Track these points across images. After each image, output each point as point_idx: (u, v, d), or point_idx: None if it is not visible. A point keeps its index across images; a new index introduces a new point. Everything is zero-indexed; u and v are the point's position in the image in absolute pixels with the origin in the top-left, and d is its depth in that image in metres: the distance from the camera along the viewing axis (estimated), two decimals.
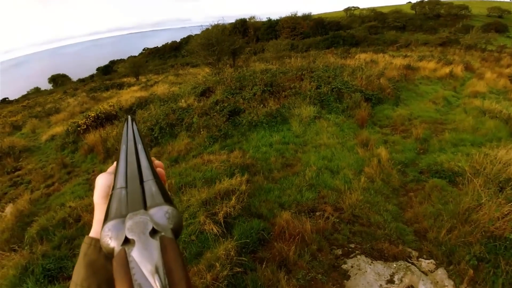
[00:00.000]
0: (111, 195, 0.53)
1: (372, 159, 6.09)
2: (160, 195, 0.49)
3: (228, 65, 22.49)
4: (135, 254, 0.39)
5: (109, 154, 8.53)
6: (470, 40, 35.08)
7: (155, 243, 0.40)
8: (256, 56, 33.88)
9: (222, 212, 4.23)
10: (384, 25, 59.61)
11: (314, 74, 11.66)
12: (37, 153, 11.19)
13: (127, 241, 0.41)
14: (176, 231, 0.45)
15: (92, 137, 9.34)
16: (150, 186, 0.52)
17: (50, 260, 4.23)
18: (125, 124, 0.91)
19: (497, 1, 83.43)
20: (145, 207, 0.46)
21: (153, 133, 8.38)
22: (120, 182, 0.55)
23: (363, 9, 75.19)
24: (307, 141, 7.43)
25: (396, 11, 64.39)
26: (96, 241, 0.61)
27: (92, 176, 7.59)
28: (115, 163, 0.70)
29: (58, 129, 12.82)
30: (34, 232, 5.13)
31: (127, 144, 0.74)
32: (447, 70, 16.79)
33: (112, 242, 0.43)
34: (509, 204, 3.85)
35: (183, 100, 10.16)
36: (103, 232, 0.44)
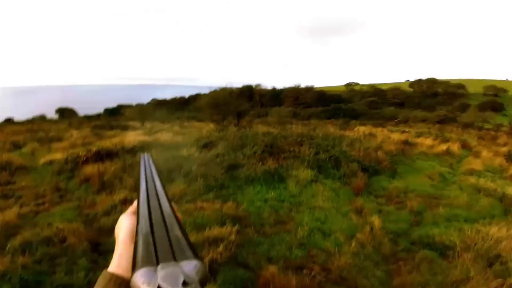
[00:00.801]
0: (136, 240, 0.56)
1: (365, 226, 6.16)
2: (188, 248, 0.51)
3: (232, 124, 23.10)
4: None
5: (104, 187, 8.47)
6: (467, 118, 36.12)
7: None
8: (259, 119, 34.77)
9: (208, 257, 4.20)
10: (383, 101, 61.81)
11: (313, 141, 11.96)
12: (33, 173, 11.08)
13: None
14: (203, 283, 0.47)
15: (90, 169, 9.33)
16: (177, 236, 0.54)
17: (29, 272, 4.19)
18: (142, 161, 1.00)
19: (493, 80, 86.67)
20: (175, 258, 0.49)
21: None
22: (146, 227, 0.58)
23: (363, 85, 78.43)
24: (302, 202, 7.47)
25: (395, 88, 66.91)
26: (117, 278, 0.62)
27: (84, 204, 7.51)
28: (134, 203, 0.75)
29: (58, 156, 12.76)
30: (17, 243, 5.03)
31: (146, 184, 0.79)
32: (444, 147, 17.17)
33: None
34: (497, 280, 3.86)
35: (185, 150, 10.35)
36: (135, 277, 0.46)
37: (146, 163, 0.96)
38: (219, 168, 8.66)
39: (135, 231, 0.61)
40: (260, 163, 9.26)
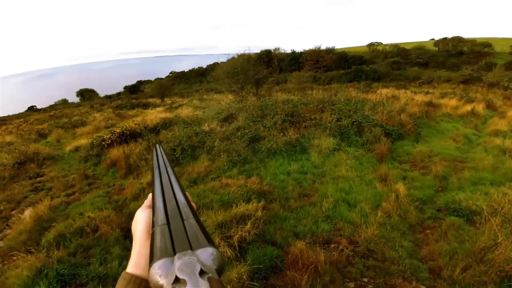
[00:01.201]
0: (153, 232, 0.56)
1: (390, 194, 6.07)
2: (203, 235, 0.52)
3: (251, 93, 22.84)
4: None
5: (131, 170, 8.74)
6: (493, 78, 34.65)
7: (205, 284, 0.43)
8: (278, 86, 34.27)
9: (237, 236, 4.30)
10: (406, 61, 59.54)
11: (335, 107, 11.82)
12: (60, 162, 11.50)
13: (177, 280, 0.44)
14: (220, 271, 0.48)
15: (115, 152, 9.60)
16: (192, 225, 0.55)
17: (65, 266, 4.33)
18: (155, 152, 1.00)
19: None
20: (191, 247, 0.49)
21: (175, 153, 8.58)
22: (161, 218, 0.58)
23: (386, 44, 75.30)
24: (326, 173, 7.48)
25: (419, 48, 64.28)
26: (136, 278, 0.62)
27: (112, 190, 7.79)
28: (149, 195, 0.75)
29: (83, 141, 13.17)
30: (51, 237, 5.26)
31: (160, 176, 0.79)
32: (468, 108, 16.69)
33: (162, 280, 0.45)
34: None
35: (206, 124, 10.43)
36: (153, 269, 0.46)
37: (159, 154, 0.97)
38: (240, 142, 8.72)
39: (151, 225, 0.62)
40: (281, 134, 9.26)
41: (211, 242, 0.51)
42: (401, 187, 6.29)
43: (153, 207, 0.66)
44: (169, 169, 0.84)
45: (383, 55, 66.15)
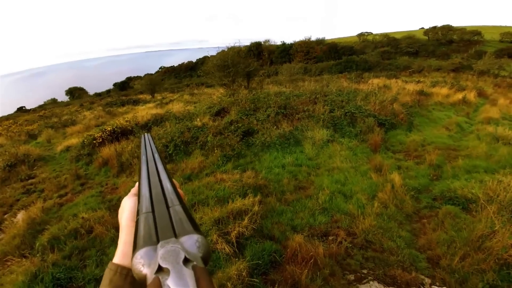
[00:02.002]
0: (137, 220, 0.54)
1: (386, 184, 6.08)
2: (188, 222, 0.49)
3: (243, 86, 22.71)
4: (171, 283, 0.40)
5: (123, 168, 8.63)
6: (483, 66, 34.89)
7: (189, 273, 0.41)
8: (270, 79, 34.14)
9: (234, 232, 4.25)
10: (397, 50, 59.77)
11: (327, 98, 11.77)
12: (52, 162, 11.34)
13: (160, 269, 0.42)
14: (205, 259, 0.45)
15: (107, 151, 9.48)
16: (177, 212, 0.52)
17: (60, 269, 4.26)
18: (142, 140, 0.98)
19: (510, 26, 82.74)
20: (175, 234, 0.47)
21: (168, 150, 8.49)
22: (146, 206, 0.56)
23: (376, 34, 75.42)
24: (320, 164, 7.46)
25: (409, 37, 64.50)
26: (122, 268, 0.59)
27: (105, 189, 7.68)
28: (136, 184, 0.73)
29: (74, 141, 13.00)
30: (45, 240, 5.18)
31: (147, 163, 0.77)
32: (460, 96, 16.79)
33: (145, 269, 0.43)
34: None
35: (198, 119, 10.31)
36: (135, 259, 0.44)
37: (147, 142, 0.95)
38: (234, 136, 8.65)
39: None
40: (275, 127, 9.20)
41: (197, 229, 0.48)
42: (396, 177, 6.29)
43: (138, 194, 0.63)
44: (156, 155, 0.82)
45: (373, 45, 66.42)
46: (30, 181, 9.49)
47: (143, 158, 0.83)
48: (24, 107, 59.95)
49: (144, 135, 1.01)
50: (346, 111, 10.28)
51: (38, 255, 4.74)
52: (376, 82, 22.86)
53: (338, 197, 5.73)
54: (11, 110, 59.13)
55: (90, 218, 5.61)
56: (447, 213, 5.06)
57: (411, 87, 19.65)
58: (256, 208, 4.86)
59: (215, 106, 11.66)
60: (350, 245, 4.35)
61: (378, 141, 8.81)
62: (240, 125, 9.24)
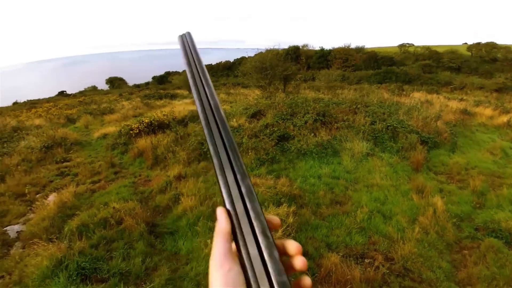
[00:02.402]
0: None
1: (427, 208, 5.74)
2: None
3: (279, 90, 22.55)
4: None
5: (158, 161, 8.61)
6: None
7: None
8: (306, 84, 33.80)
9: None
10: (438, 64, 57.40)
11: (369, 109, 11.34)
12: (88, 148, 11.53)
13: None
14: None
15: (143, 142, 9.50)
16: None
17: (86, 259, 4.20)
18: (181, 43, 0.79)
19: None
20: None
21: (203, 147, 8.41)
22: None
23: (418, 46, 72.96)
24: (359, 179, 7.12)
25: (452, 52, 61.79)
26: None
27: (138, 181, 7.67)
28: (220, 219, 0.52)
29: (111, 129, 13.18)
30: (74, 226, 5.15)
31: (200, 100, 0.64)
32: (504, 118, 15.65)
33: None
34: None
35: (234, 120, 10.18)
36: None
37: (187, 47, 0.77)
38: (269, 140, 8.43)
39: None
40: (312, 134, 8.90)
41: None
42: (438, 201, 5.94)
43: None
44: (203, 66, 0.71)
45: (414, 57, 64.07)
46: (65, 164, 9.64)
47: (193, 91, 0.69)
48: (65, 91, 61.91)
49: (183, 36, 0.79)
50: (388, 124, 9.82)
51: (65, 241, 4.68)
52: (417, 96, 22.09)
53: (377, 217, 5.40)
54: (53, 93, 61.32)
55: (121, 208, 5.54)
56: (490, 246, 4.72)
57: (454, 104, 18.77)
58: (290, 219, 4.63)
59: (251, 108, 11.48)
60: (388, 271, 4.05)
61: (421, 160, 8.35)
62: (275, 129, 9.00)
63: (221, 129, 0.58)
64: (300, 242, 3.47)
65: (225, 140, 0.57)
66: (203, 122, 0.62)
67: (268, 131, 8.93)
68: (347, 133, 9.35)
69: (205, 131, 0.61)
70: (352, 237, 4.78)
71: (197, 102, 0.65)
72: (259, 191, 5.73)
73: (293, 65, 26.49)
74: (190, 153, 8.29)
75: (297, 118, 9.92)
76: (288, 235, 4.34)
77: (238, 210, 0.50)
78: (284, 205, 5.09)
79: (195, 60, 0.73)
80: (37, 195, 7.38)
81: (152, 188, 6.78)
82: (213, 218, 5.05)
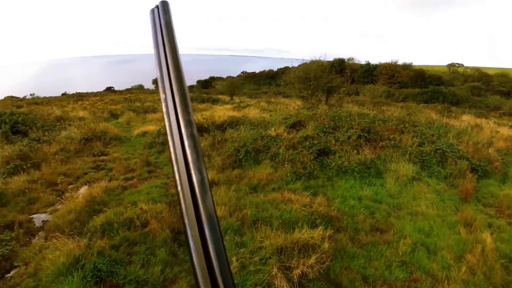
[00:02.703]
0: None
1: (476, 245, 5.11)
2: None
3: (322, 101, 22.11)
4: None
5: None
6: None
7: None
8: (349, 97, 33.12)
9: (298, 270, 3.63)
10: (488, 87, 54.51)
11: (416, 129, 10.62)
12: (126, 144, 11.71)
13: None
14: None
15: None
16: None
17: (105, 260, 4.01)
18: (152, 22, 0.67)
19: None
20: None
21: (238, 154, 8.15)
22: None
23: (467, 67, 69.72)
24: (402, 205, 6.52)
25: (502, 75, 58.20)
26: None
27: (171, 182, 7.53)
28: None
29: (151, 128, 13.32)
30: (99, 223, 5.05)
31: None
32: None
33: None
34: None
35: (273, 129, 9.86)
36: None
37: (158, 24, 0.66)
38: (307, 153, 8.00)
39: None
40: (355, 151, 8.37)
41: None
42: (487, 238, 5.30)
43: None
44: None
45: (463, 78, 61.86)
46: (101, 157, 9.78)
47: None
48: (113, 87, 64.28)
49: (154, 10, 0.68)
50: (437, 147, 9.10)
51: (85, 239, 4.51)
52: (465, 119, 20.85)
53: (420, 250, 4.84)
54: (101, 88, 63.83)
55: (149, 210, 5.39)
56: None
57: (505, 131, 17.40)
58: (326, 245, 4.18)
59: (291, 118, 11.10)
60: None
61: (470, 189, 7.57)
62: (315, 142, 8.54)
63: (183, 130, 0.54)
64: (334, 271, 3.05)
65: (186, 144, 0.53)
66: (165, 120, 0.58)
67: (307, 143, 8.50)
68: (393, 153, 8.73)
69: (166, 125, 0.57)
70: (392, 271, 4.27)
71: (161, 97, 0.61)
72: (292, 208, 5.34)
73: (338, 77, 26.06)
74: (225, 159, 8.07)
75: (340, 132, 9.40)
76: (322, 264, 3.89)
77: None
78: (319, 227, 4.65)
79: (165, 39, 0.63)
80: (69, 186, 7.45)
81: None
82: (241, 232, 4.73)
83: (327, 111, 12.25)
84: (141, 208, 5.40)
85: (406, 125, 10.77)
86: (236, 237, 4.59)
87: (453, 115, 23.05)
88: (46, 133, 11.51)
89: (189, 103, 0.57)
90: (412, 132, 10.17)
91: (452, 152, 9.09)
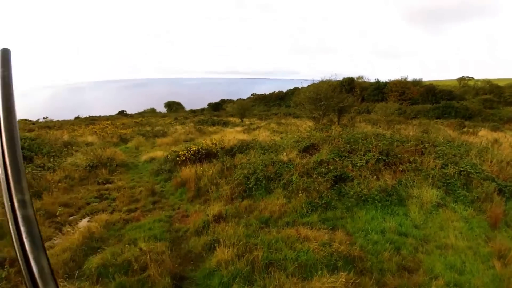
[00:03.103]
0: None
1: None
2: None
3: (334, 121, 21.74)
4: None
5: (199, 194, 8.07)
6: None
7: None
8: (361, 116, 32.67)
9: None
10: (499, 99, 53.61)
11: (437, 149, 9.97)
12: (132, 171, 11.38)
13: None
14: None
15: (187, 172, 9.06)
16: None
17: None
18: None
19: None
20: None
21: (248, 182, 7.65)
22: None
23: (478, 80, 68.81)
24: (429, 237, 5.88)
25: None
26: None
27: (175, 215, 7.07)
28: None
29: (159, 153, 13.03)
30: (94, 266, 4.62)
31: None
32: None
33: None
34: None
35: (284, 153, 9.33)
36: None
37: None
38: (323, 180, 7.44)
39: None
40: (374, 177, 7.79)
41: None
42: None
43: None
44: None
45: (474, 91, 61.17)
46: (106, 185, 9.46)
47: None
48: (125, 111, 65.10)
49: None
50: (461, 169, 8.44)
51: (77, 283, 4.07)
52: (482, 134, 20.09)
53: None
54: (114, 112, 64.64)
55: (148, 251, 4.88)
56: None
57: None
58: None
59: (303, 141, 10.57)
60: None
61: (499, 214, 6.86)
62: (331, 168, 7.97)
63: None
64: None
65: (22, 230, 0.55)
66: None
67: (322, 169, 7.94)
68: (414, 177, 8.11)
69: None
70: None
71: None
72: (309, 247, 4.78)
73: (350, 96, 25.81)
74: (234, 188, 7.57)
75: (357, 156, 8.83)
76: None
77: None
78: (341, 273, 4.05)
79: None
80: (70, 218, 7.09)
81: (188, 227, 6.09)
82: (251, 279, 4.18)
83: (340, 132, 11.67)
84: (140, 249, 4.91)
85: (426, 145, 10.16)
86: (245, 287, 4.05)
87: (471, 130, 22.30)
88: (52, 160, 11.28)
89: (24, 179, 0.56)
90: (434, 153, 9.54)
91: (477, 173, 8.41)
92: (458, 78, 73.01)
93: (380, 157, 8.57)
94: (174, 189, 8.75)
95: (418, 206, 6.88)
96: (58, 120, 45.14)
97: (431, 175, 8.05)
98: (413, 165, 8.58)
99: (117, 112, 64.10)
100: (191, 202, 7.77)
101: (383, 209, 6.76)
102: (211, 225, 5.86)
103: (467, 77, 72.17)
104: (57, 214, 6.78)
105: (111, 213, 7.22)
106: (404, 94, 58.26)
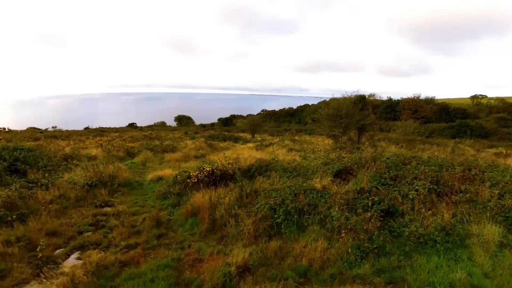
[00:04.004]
0: None
1: None
2: None
3: (355, 140, 20.79)
4: None
5: (215, 228, 6.58)
6: None
7: None
8: (379, 135, 31.59)
9: None
10: None
11: (486, 175, 8.50)
12: (136, 192, 10.11)
13: None
14: None
15: (199, 198, 7.65)
16: None
17: None
18: None
19: None
20: None
21: (275, 216, 6.22)
22: None
23: (491, 98, 68.00)
24: None
25: None
26: None
27: (185, 258, 5.53)
28: None
29: (167, 172, 11.73)
30: None
31: None
32: None
33: None
34: None
35: (317, 179, 7.78)
36: None
37: None
38: (369, 216, 5.93)
39: None
40: (429, 211, 6.35)
41: None
42: None
43: None
44: None
45: (488, 110, 60.71)
46: (104, 209, 8.19)
47: None
48: (135, 124, 65.03)
49: None
50: None
51: None
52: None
53: None
54: (124, 124, 64.55)
55: None
56: None
57: None
58: None
59: (334, 163, 9.11)
60: None
61: None
62: (376, 199, 6.52)
63: None
64: None
65: None
66: None
67: (366, 200, 6.52)
68: (469, 209, 6.71)
69: None
70: None
71: None
72: None
73: (372, 114, 25.08)
74: (258, 223, 6.09)
75: (403, 184, 7.41)
76: None
77: None
78: None
79: None
80: (56, 251, 5.81)
81: (203, 280, 4.61)
82: None
83: (373, 154, 10.05)
84: None
85: (476, 172, 8.69)
86: None
87: (504, 152, 20.95)
88: (47, 175, 10.11)
89: None
90: (487, 180, 8.09)
91: None
92: (471, 96, 72.59)
93: (431, 187, 7.16)
94: (183, 219, 7.35)
95: (481, 247, 5.47)
96: (67, 130, 44.94)
97: (488, 207, 6.64)
98: (467, 195, 7.15)
99: (127, 124, 63.96)
100: (205, 238, 6.37)
101: (446, 252, 5.33)
102: (234, 279, 4.47)
103: (480, 95, 71.82)
104: (38, 249, 5.30)
105: (106, 247, 5.94)
106: (417, 112, 57.09)
